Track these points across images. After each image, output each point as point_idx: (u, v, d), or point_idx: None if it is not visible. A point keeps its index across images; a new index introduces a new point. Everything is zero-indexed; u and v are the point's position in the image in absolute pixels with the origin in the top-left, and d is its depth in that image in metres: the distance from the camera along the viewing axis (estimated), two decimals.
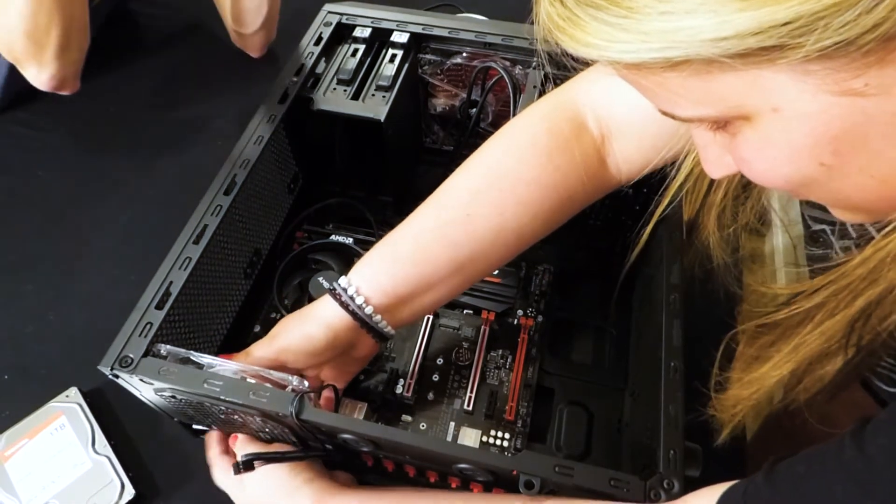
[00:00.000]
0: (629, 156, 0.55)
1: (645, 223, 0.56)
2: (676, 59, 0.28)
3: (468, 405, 0.64)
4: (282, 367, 0.54)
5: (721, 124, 0.33)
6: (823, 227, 0.51)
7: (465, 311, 0.71)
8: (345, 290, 0.54)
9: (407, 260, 0.54)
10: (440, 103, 0.83)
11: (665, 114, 0.34)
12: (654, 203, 0.53)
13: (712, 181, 0.47)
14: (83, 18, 0.77)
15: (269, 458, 0.55)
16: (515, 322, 0.70)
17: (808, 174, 0.31)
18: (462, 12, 1.02)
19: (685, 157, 0.48)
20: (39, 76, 0.76)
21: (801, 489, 0.33)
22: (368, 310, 0.54)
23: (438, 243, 0.54)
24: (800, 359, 0.38)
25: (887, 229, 0.31)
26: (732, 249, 0.49)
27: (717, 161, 0.37)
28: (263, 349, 0.55)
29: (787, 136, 0.30)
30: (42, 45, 0.73)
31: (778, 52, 0.26)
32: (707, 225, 0.49)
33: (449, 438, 0.62)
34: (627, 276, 0.74)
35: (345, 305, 0.54)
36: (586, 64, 0.68)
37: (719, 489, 0.38)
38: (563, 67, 0.72)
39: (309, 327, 0.55)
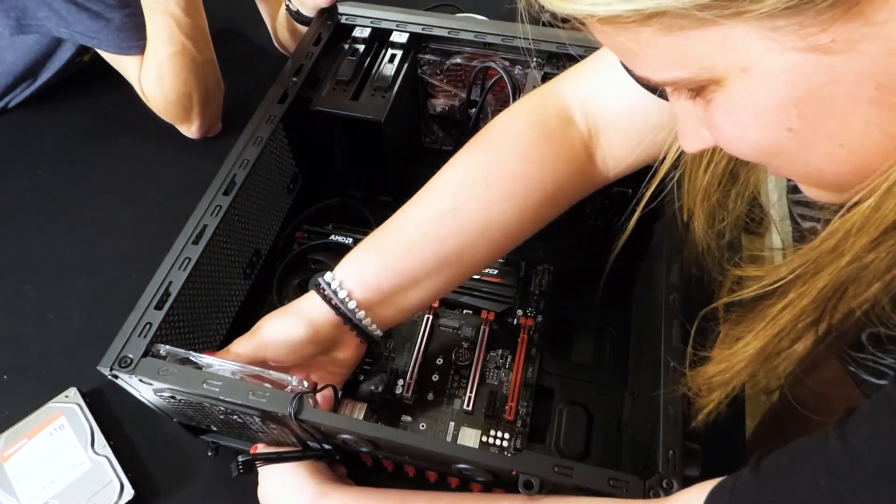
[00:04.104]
0: (616, 150, 0.54)
1: (632, 211, 0.55)
2: (648, 12, 0.28)
3: (468, 405, 0.64)
4: (263, 364, 0.53)
5: (696, 90, 0.33)
6: (814, 224, 0.51)
7: (464, 311, 0.71)
8: (328, 283, 0.54)
9: (392, 253, 0.54)
10: (439, 103, 0.83)
11: (641, 80, 0.34)
12: (641, 191, 0.53)
13: (702, 168, 0.46)
14: (217, 77, 0.90)
15: (268, 458, 0.55)
16: (515, 322, 0.70)
17: (776, 141, 0.31)
18: (462, 12, 1.02)
19: (671, 144, 0.48)
20: (190, 130, 0.91)
21: (786, 482, 0.33)
22: (352, 304, 0.54)
23: (424, 238, 0.53)
24: (769, 335, 0.38)
25: (852, 200, 0.31)
26: (718, 235, 0.48)
27: (693, 134, 0.37)
28: (244, 345, 0.54)
29: (755, 98, 0.30)
30: (188, 107, 0.87)
31: (746, 3, 0.27)
32: (694, 211, 0.49)
33: (449, 438, 0.62)
34: (627, 276, 0.74)
35: (328, 299, 0.53)
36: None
37: (709, 485, 0.38)
38: (563, 67, 0.72)
39: (290, 322, 0.54)
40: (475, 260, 0.56)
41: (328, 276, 0.55)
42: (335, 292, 0.53)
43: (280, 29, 0.97)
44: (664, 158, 0.49)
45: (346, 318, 0.54)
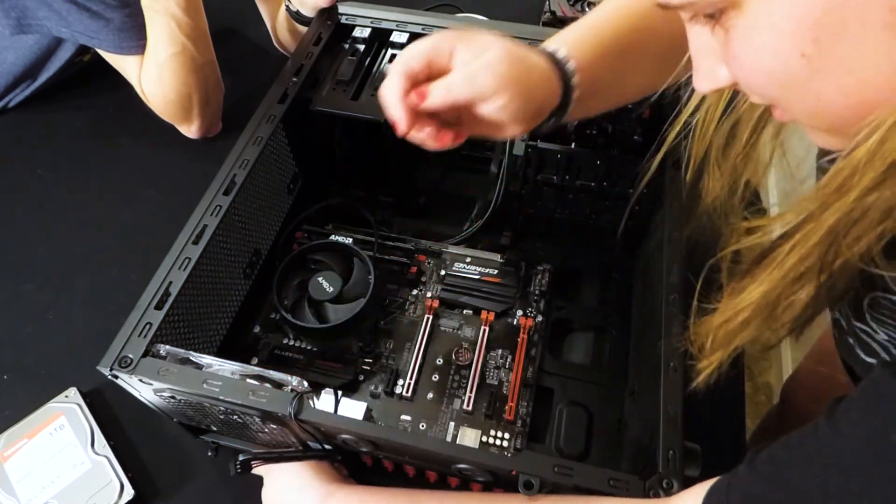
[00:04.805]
0: None
1: (653, 155, 0.56)
2: None
3: (468, 405, 0.64)
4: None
5: (716, 16, 0.33)
6: None
7: (464, 311, 0.71)
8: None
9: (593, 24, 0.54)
10: None
11: (661, 3, 0.34)
12: (661, 136, 0.53)
13: (715, 120, 0.47)
14: (217, 77, 0.90)
15: (267, 458, 0.55)
16: (515, 322, 0.70)
17: (790, 69, 0.31)
18: (462, 12, 1.02)
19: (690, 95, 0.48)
20: (189, 130, 0.91)
21: (781, 472, 0.34)
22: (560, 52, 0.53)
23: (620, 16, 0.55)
24: (774, 279, 0.38)
25: (858, 137, 0.31)
26: (731, 191, 0.48)
27: (708, 73, 0.37)
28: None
29: (772, 20, 0.30)
30: (188, 108, 0.88)
31: None
32: (707, 167, 0.49)
33: (448, 438, 0.62)
34: (627, 275, 0.74)
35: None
36: None
37: (708, 484, 0.39)
38: None
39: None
40: (652, 58, 0.55)
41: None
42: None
43: (280, 29, 0.97)
44: (679, 112, 0.49)
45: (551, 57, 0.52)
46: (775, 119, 0.40)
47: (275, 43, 1.02)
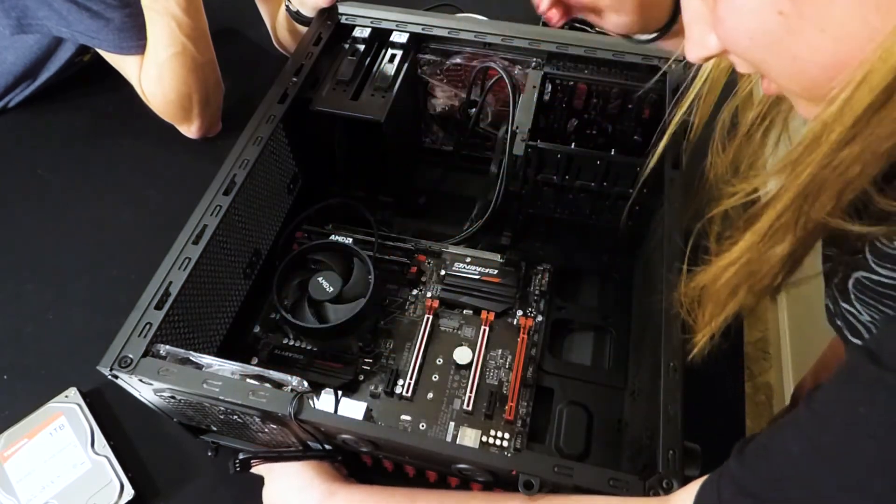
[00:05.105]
0: None
1: (662, 132, 0.60)
2: None
3: (468, 405, 0.64)
4: None
5: None
6: None
7: (464, 311, 0.71)
8: None
9: None
10: (440, 103, 0.83)
11: None
12: (669, 113, 0.57)
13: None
14: (217, 77, 0.90)
15: (267, 458, 0.55)
16: (515, 322, 0.70)
17: (768, 28, 0.33)
18: (462, 12, 1.02)
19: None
20: (189, 130, 0.91)
21: (764, 457, 0.35)
22: None
23: None
24: (753, 238, 0.40)
25: (830, 95, 0.32)
26: (733, 172, 0.51)
27: (700, 40, 0.39)
28: None
29: None
30: (187, 108, 0.88)
31: None
32: (714, 148, 0.51)
33: (448, 438, 0.62)
34: (627, 275, 0.74)
35: None
36: (584, 64, 0.70)
37: (702, 480, 0.39)
38: (563, 67, 0.72)
39: None
40: None
41: None
42: None
43: (280, 29, 0.97)
44: (690, 83, 0.53)
45: None
46: (764, 93, 0.42)
47: (275, 43, 1.02)
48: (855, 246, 0.40)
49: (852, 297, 0.42)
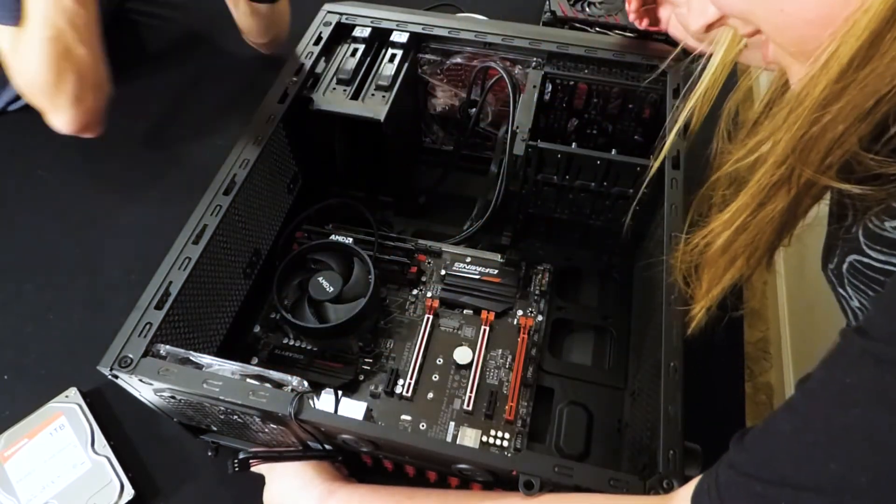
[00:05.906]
0: None
1: (668, 130, 0.61)
2: None
3: (468, 405, 0.64)
4: None
5: None
6: None
7: (464, 311, 0.71)
8: None
9: None
10: (440, 103, 0.83)
11: None
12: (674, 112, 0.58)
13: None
14: (99, 76, 0.82)
15: (266, 457, 0.55)
16: (515, 322, 0.70)
17: None
18: (462, 12, 1.02)
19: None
20: (56, 122, 0.82)
21: (760, 440, 0.35)
22: None
23: None
24: (746, 198, 0.41)
25: (816, 53, 0.33)
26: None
27: (700, 10, 0.43)
28: None
29: None
30: (55, 95, 0.79)
31: None
32: (719, 135, 0.52)
33: (449, 438, 0.62)
34: (627, 275, 0.74)
35: None
36: (584, 64, 0.70)
37: (701, 476, 0.39)
38: (563, 67, 0.72)
39: None
40: None
41: None
42: None
43: (242, 17, 0.94)
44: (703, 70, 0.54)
45: None
46: (763, 61, 0.42)
47: (244, 37, 0.98)
48: (851, 226, 0.40)
49: (846, 281, 0.42)
